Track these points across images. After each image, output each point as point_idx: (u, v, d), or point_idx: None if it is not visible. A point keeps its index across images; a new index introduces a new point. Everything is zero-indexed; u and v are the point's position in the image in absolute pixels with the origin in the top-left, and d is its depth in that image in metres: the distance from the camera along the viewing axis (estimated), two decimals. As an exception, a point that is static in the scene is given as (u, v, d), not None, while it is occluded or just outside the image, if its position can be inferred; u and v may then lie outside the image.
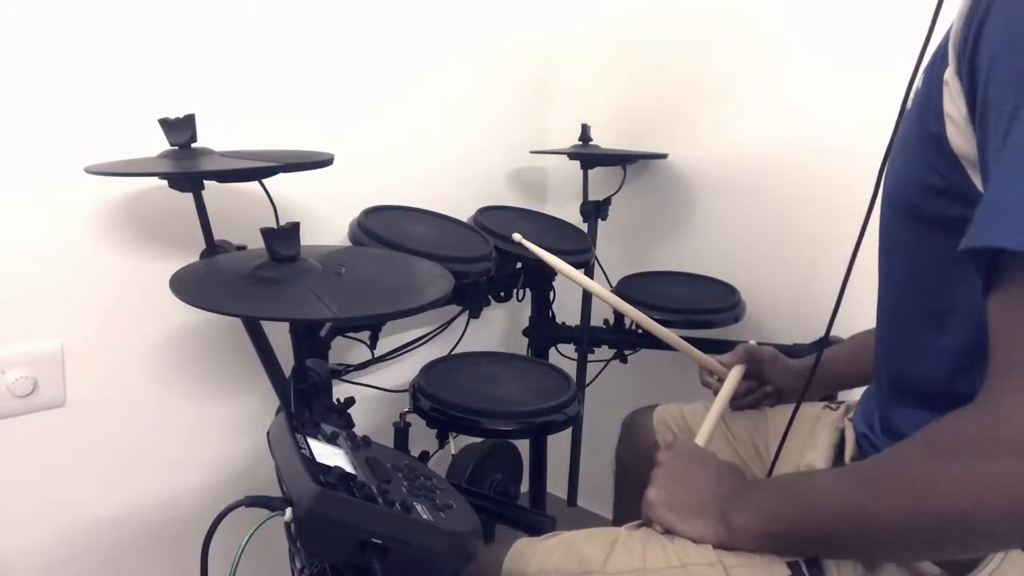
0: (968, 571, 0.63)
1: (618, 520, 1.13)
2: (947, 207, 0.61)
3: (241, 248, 1.03)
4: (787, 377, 1.05)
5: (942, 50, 0.61)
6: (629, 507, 1.12)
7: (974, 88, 0.55)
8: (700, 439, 0.86)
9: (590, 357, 1.52)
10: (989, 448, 0.49)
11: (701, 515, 0.70)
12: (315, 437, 0.76)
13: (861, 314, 0.90)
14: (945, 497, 0.51)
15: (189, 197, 0.95)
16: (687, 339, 1.19)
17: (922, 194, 0.64)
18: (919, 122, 0.63)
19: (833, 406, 0.93)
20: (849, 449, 0.79)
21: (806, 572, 0.66)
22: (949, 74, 0.59)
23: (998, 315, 0.51)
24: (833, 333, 0.95)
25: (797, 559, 0.65)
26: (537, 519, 1.05)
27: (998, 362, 0.51)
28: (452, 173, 1.56)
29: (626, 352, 1.50)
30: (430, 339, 1.41)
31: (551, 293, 1.56)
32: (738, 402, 1.06)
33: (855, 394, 0.95)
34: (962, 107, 0.57)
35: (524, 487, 1.41)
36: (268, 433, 0.79)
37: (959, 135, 0.58)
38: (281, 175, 0.96)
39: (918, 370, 0.69)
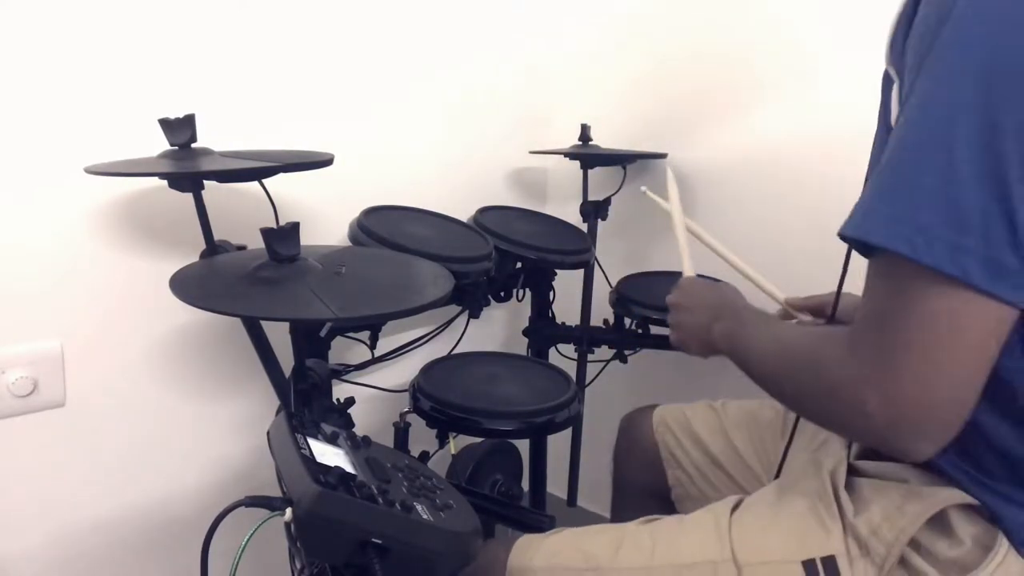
0: (966, 573, 0.63)
1: (616, 521, 1.13)
2: None
3: (241, 248, 1.02)
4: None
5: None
6: (627, 507, 1.12)
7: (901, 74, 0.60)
8: (688, 271, 1.04)
9: (590, 357, 1.52)
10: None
11: (699, 340, 0.88)
12: (315, 437, 0.76)
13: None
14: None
15: (189, 197, 0.95)
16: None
17: None
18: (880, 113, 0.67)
19: None
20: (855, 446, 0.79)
21: (821, 571, 0.67)
22: (887, 63, 0.63)
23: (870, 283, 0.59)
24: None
25: (813, 557, 0.68)
26: (537, 519, 1.05)
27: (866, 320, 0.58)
28: (452, 173, 1.56)
29: (626, 352, 1.50)
30: (430, 339, 1.41)
31: (551, 293, 1.56)
32: None
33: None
34: (894, 100, 0.61)
35: (524, 487, 1.41)
36: (268, 433, 0.79)
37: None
38: (281, 175, 0.96)
39: None
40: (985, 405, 0.59)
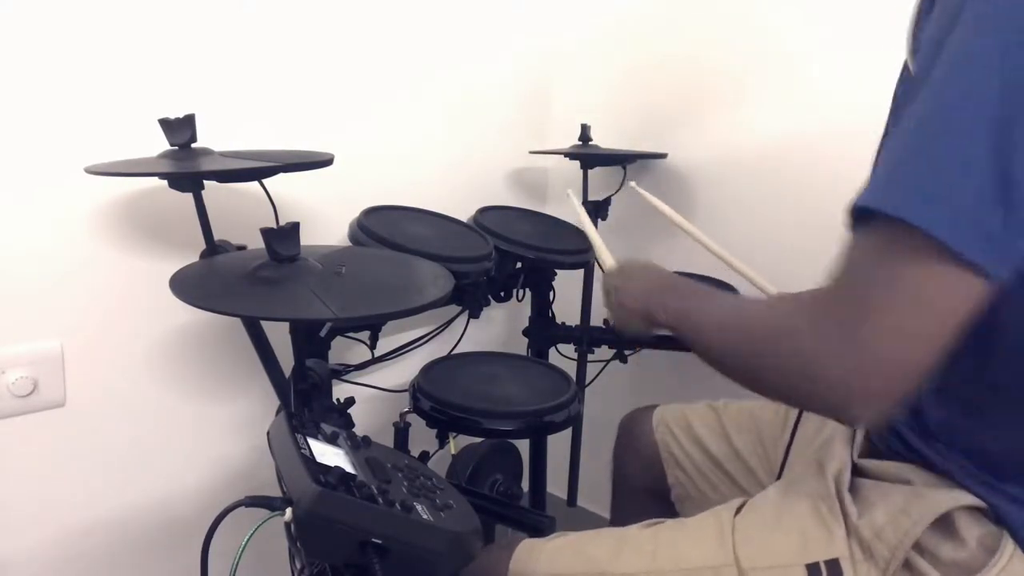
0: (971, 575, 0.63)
1: (616, 521, 1.13)
2: None
3: (241, 248, 1.03)
4: None
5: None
6: (627, 507, 1.12)
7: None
8: (609, 261, 0.97)
9: (590, 357, 1.52)
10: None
11: (641, 317, 0.81)
12: (315, 437, 0.76)
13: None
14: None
15: (189, 197, 0.95)
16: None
17: None
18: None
19: None
20: (859, 436, 0.79)
21: (824, 574, 0.66)
22: (908, 55, 0.62)
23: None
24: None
25: (816, 561, 0.67)
26: (537, 519, 1.05)
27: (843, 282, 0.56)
28: (452, 173, 1.56)
29: (626, 352, 1.50)
30: (430, 339, 1.41)
31: (551, 293, 1.56)
32: None
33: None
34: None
35: (524, 487, 1.41)
36: (268, 433, 0.79)
37: None
38: (281, 175, 0.96)
39: None
40: (997, 403, 0.59)
